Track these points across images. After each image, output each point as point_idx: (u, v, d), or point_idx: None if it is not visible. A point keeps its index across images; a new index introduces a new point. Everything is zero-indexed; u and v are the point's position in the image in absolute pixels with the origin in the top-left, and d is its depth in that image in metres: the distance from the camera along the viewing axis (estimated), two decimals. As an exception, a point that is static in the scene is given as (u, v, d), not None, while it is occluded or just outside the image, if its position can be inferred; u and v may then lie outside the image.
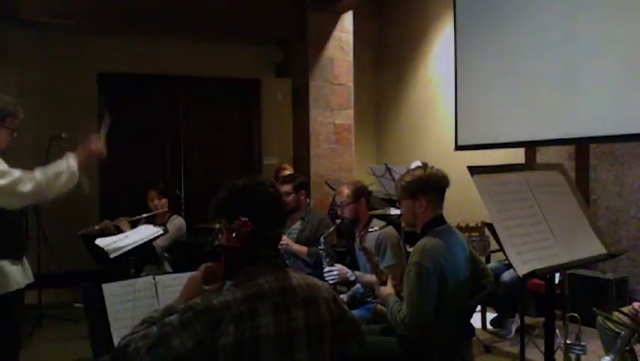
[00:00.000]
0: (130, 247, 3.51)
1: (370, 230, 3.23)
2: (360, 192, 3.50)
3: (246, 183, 1.74)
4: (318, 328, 1.68)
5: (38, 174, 2.57)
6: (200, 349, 1.51)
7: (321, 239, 3.58)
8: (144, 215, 4.61)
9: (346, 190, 3.49)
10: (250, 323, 1.56)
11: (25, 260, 2.93)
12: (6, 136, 2.83)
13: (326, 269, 3.48)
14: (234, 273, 1.68)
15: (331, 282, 3.41)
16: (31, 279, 2.95)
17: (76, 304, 4.76)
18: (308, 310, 1.67)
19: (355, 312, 3.31)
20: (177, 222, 4.70)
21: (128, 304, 2.59)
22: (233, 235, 1.65)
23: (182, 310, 1.56)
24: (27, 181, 2.54)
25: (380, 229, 3.26)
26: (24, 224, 2.93)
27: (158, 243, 4.37)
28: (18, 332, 2.90)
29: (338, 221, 3.59)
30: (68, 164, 2.65)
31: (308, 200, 4.38)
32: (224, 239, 1.70)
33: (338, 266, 3.48)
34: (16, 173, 2.57)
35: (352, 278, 3.45)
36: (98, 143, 2.87)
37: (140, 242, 3.58)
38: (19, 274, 2.84)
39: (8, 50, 6.16)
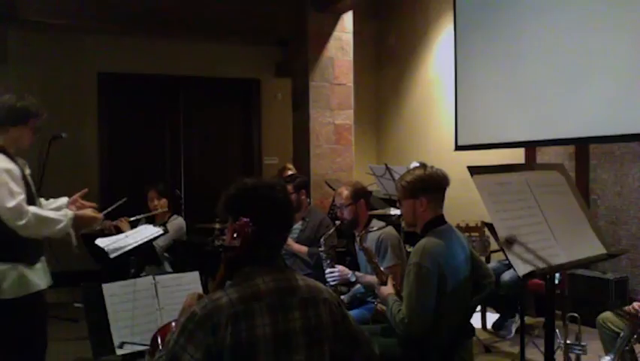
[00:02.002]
0: (130, 247, 3.51)
1: (370, 230, 3.23)
2: (360, 194, 3.50)
3: (256, 185, 1.73)
4: (317, 329, 1.67)
5: (32, 214, 2.63)
6: (209, 356, 1.52)
7: (322, 241, 3.59)
8: (144, 215, 4.60)
9: (345, 192, 3.50)
10: (246, 323, 1.56)
11: (44, 262, 2.93)
12: (29, 136, 2.86)
13: (327, 271, 3.48)
14: (234, 273, 1.68)
15: (332, 283, 3.41)
16: (49, 281, 2.94)
17: (76, 304, 4.75)
18: (307, 311, 1.66)
19: (355, 312, 3.33)
20: (177, 222, 4.69)
21: (128, 304, 2.60)
22: (235, 235, 1.65)
23: (183, 323, 1.57)
24: (23, 215, 2.61)
25: (379, 229, 3.26)
26: None
27: (159, 243, 4.36)
28: (45, 333, 2.89)
29: (338, 222, 3.59)
30: (65, 219, 2.75)
31: (308, 200, 4.39)
32: (227, 238, 1.71)
33: (339, 268, 3.48)
34: (19, 198, 2.62)
35: (353, 279, 3.45)
36: (97, 220, 2.99)
37: (140, 242, 3.58)
38: (38, 276, 2.83)
39: (8, 50, 6.17)
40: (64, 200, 3.11)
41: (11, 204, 2.60)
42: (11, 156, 2.78)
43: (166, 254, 4.45)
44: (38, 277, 2.82)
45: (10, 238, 2.66)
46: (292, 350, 1.61)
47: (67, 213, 2.80)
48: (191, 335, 1.53)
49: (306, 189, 4.26)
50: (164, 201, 4.70)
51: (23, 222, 2.60)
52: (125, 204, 3.87)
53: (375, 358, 1.85)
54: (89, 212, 2.95)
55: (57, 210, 2.96)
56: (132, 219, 4.48)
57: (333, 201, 5.44)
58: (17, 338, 2.73)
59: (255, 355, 1.56)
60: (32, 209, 2.65)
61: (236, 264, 1.68)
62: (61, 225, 2.72)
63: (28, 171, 2.88)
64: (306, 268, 3.95)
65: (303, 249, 3.99)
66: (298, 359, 1.62)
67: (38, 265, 2.85)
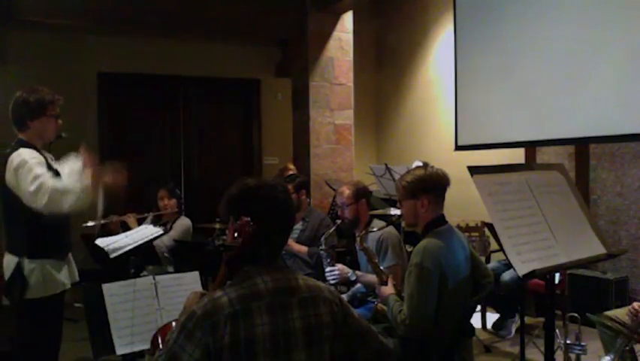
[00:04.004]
0: (130, 247, 3.51)
1: (371, 230, 3.24)
2: (361, 193, 3.50)
3: (258, 184, 1.73)
4: (317, 328, 1.67)
5: (50, 187, 2.57)
6: (208, 355, 1.53)
7: (322, 239, 3.59)
8: (153, 213, 4.60)
9: (347, 191, 3.50)
10: (245, 322, 1.56)
11: (70, 258, 2.92)
12: (52, 125, 2.83)
13: (327, 269, 3.48)
14: (235, 273, 1.68)
15: (332, 282, 3.41)
16: (75, 278, 2.94)
17: (76, 304, 4.76)
18: (307, 310, 1.67)
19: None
20: (185, 222, 4.71)
21: (128, 304, 2.60)
22: (236, 234, 1.66)
23: (182, 323, 1.58)
24: (42, 194, 2.55)
25: (380, 229, 3.26)
26: (69, 222, 2.90)
27: (165, 242, 4.37)
28: (60, 331, 2.89)
29: (339, 221, 3.60)
30: (81, 183, 2.64)
31: (308, 200, 4.39)
32: (228, 238, 1.71)
33: (339, 266, 3.48)
34: (39, 180, 2.57)
35: (353, 278, 3.45)
36: (120, 176, 2.80)
37: (140, 242, 3.58)
38: (65, 275, 2.84)
39: (8, 50, 6.17)
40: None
41: (32, 188, 2.57)
42: (38, 150, 2.77)
43: (166, 254, 4.45)
44: (64, 276, 2.82)
45: (39, 234, 2.66)
46: (292, 349, 1.62)
47: (81, 174, 2.67)
48: (190, 334, 1.54)
49: (306, 189, 4.26)
50: (174, 201, 4.71)
51: (46, 198, 2.55)
52: (129, 204, 3.86)
53: (386, 352, 1.83)
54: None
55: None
56: (140, 216, 4.47)
57: (334, 201, 5.44)
58: (36, 336, 2.73)
59: (253, 354, 1.56)
60: (51, 180, 2.59)
61: (237, 263, 1.68)
62: (79, 185, 2.60)
63: (55, 166, 2.87)
64: (307, 268, 3.95)
65: (303, 249, 3.99)
66: (298, 359, 1.62)
67: (65, 262, 2.85)
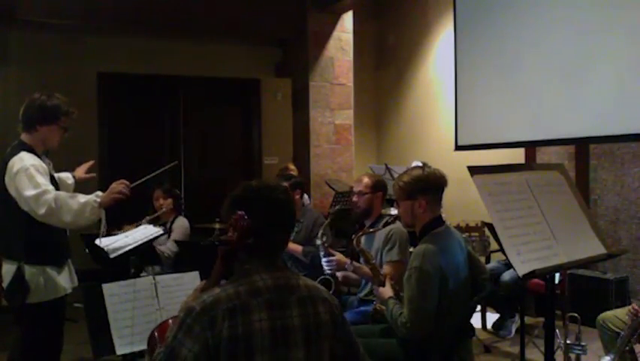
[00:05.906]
0: (130, 247, 3.51)
1: (368, 232, 3.23)
2: (380, 186, 3.49)
3: (259, 186, 1.76)
4: (316, 326, 1.68)
5: (52, 199, 2.59)
6: (207, 349, 1.54)
7: (321, 229, 3.56)
8: (148, 217, 4.59)
9: (366, 179, 3.48)
10: (243, 317, 1.58)
11: (70, 263, 2.92)
12: (58, 135, 2.84)
13: (325, 259, 3.45)
14: (232, 269, 1.69)
15: (329, 271, 3.38)
16: (75, 283, 2.94)
17: (76, 304, 4.75)
18: (306, 309, 1.67)
19: (355, 312, 3.32)
20: (182, 223, 4.71)
21: (128, 304, 2.60)
22: (232, 229, 1.67)
23: (181, 319, 1.59)
24: (43, 203, 2.57)
25: (385, 225, 3.24)
26: (66, 230, 2.89)
27: (172, 248, 4.39)
28: (62, 334, 2.88)
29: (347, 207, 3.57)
30: (87, 201, 2.68)
31: (308, 200, 4.38)
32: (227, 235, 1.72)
33: (337, 256, 3.46)
34: (42, 187, 2.59)
35: (350, 269, 3.42)
36: (123, 188, 2.88)
37: (140, 242, 3.57)
38: (66, 279, 2.84)
39: (8, 50, 6.17)
40: (68, 174, 3.13)
41: (42, 188, 2.59)
42: (39, 155, 2.77)
43: (166, 254, 4.44)
44: (65, 280, 2.82)
45: (39, 240, 2.66)
46: (290, 346, 1.63)
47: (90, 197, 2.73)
48: (189, 330, 1.55)
49: (301, 189, 4.26)
50: (169, 201, 4.72)
51: (45, 208, 2.57)
52: (127, 204, 3.85)
53: None
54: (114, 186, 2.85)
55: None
56: (136, 224, 4.47)
57: (333, 200, 5.44)
58: (38, 340, 2.73)
59: (251, 349, 1.57)
60: (53, 193, 2.62)
61: (232, 258, 1.70)
62: (83, 202, 2.66)
63: (53, 172, 2.87)
64: (303, 269, 3.94)
65: (298, 248, 3.99)
66: (297, 356, 1.63)
67: (65, 268, 2.84)
